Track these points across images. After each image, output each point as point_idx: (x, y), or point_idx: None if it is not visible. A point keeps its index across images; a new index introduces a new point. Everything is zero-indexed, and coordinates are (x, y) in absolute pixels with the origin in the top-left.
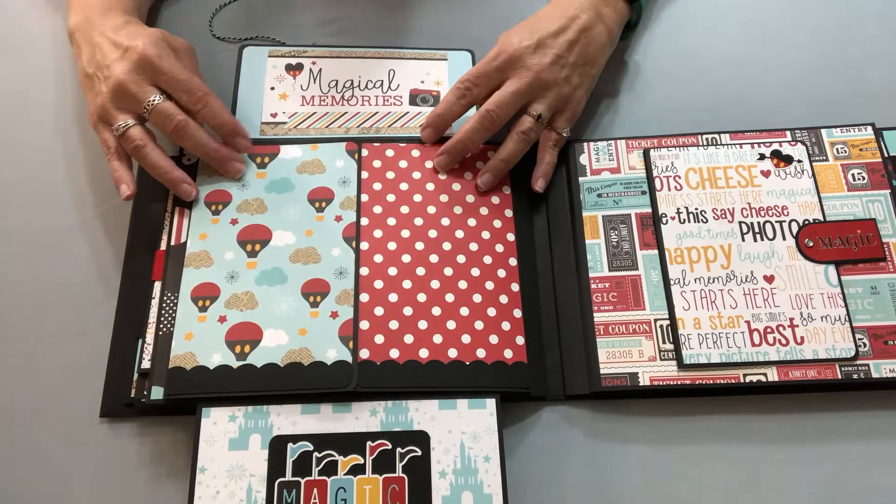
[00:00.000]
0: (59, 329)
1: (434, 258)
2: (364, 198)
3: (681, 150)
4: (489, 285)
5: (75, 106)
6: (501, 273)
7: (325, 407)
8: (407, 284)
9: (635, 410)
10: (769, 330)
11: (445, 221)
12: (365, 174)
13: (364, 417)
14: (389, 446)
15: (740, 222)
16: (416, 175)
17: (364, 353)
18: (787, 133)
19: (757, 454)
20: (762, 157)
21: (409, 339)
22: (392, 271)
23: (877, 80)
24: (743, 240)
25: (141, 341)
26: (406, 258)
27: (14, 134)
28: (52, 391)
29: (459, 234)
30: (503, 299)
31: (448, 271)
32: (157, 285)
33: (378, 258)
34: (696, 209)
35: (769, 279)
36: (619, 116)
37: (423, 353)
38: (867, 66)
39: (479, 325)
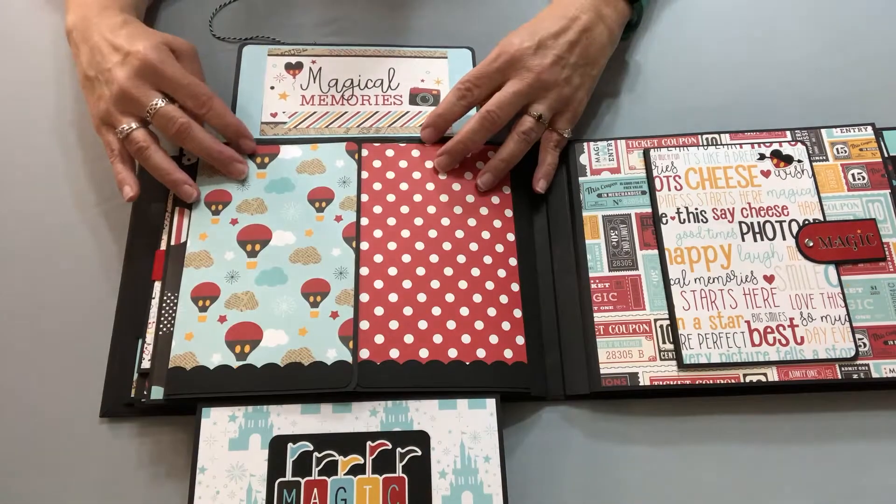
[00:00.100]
0: (59, 329)
1: (434, 258)
2: (364, 198)
3: (681, 150)
4: (489, 285)
5: (75, 106)
6: (501, 273)
7: (325, 407)
8: (407, 284)
9: (635, 410)
10: (769, 330)
11: (445, 221)
12: (365, 174)
13: (364, 417)
14: (389, 446)
15: (740, 222)
16: (416, 175)
17: (364, 353)
18: (787, 133)
19: (757, 454)
20: (762, 157)
21: (409, 339)
22: (392, 271)
23: (877, 80)
24: (743, 240)
25: (141, 341)
26: (406, 258)
27: (14, 134)
28: (52, 391)
29: (459, 234)
30: (503, 299)
31: (448, 271)
32: (157, 285)
33: (378, 258)
34: (696, 209)
35: (769, 279)
36: (619, 116)
37: (423, 353)
38: (867, 66)
39: (479, 325)
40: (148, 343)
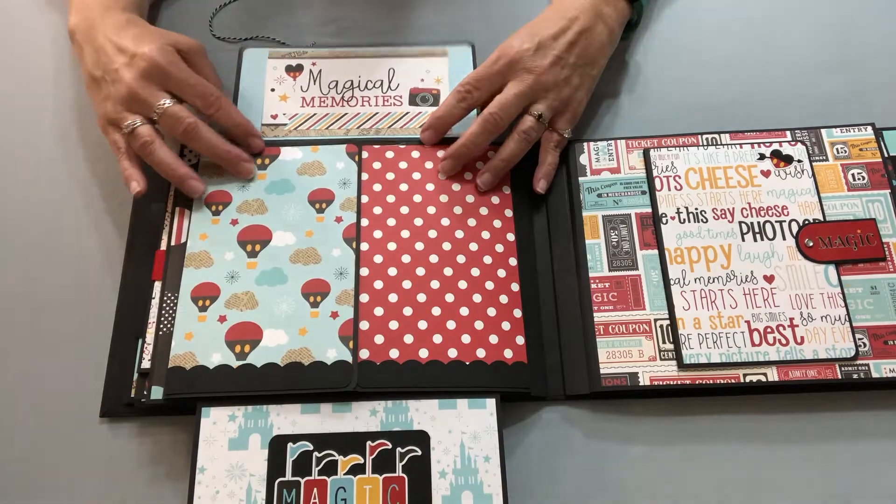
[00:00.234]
0: (59, 329)
1: (434, 258)
2: (364, 199)
3: (681, 150)
4: (489, 285)
5: (76, 107)
6: (501, 273)
7: (324, 407)
8: (407, 285)
9: (635, 410)
10: (769, 330)
11: (445, 222)
12: (365, 176)
13: (364, 417)
14: (389, 446)
15: (740, 222)
16: (416, 176)
17: (364, 353)
18: (787, 133)
19: (757, 454)
20: (762, 157)
21: (408, 339)
22: (392, 272)
23: (877, 80)
24: (743, 240)
25: (141, 341)
26: (406, 258)
27: (14, 135)
28: (52, 391)
29: (459, 234)
30: (503, 299)
31: (448, 271)
32: (157, 285)
33: (378, 259)
34: (696, 209)
35: (769, 279)
36: (619, 116)
37: (423, 353)
38: (867, 66)
39: (478, 325)
40: (148, 343)
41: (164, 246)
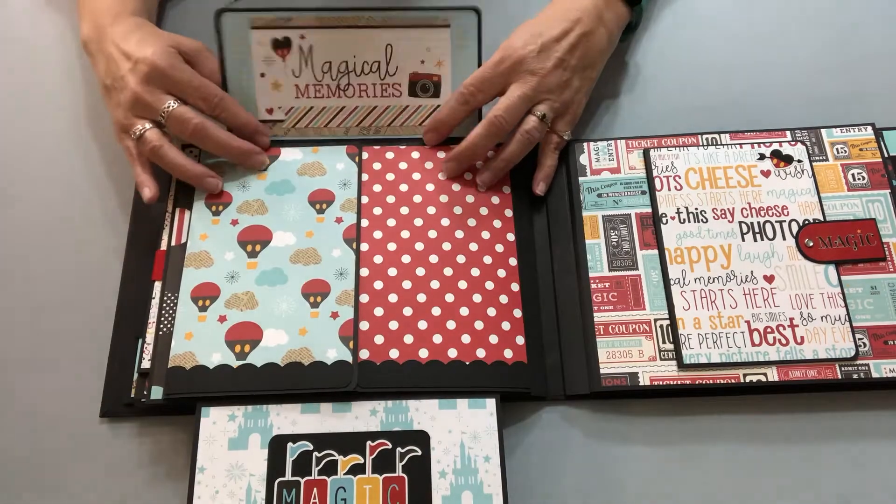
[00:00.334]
0: (59, 329)
1: (434, 258)
2: (364, 199)
3: (681, 150)
4: (489, 285)
5: (76, 107)
6: (501, 273)
7: (324, 406)
8: (407, 285)
9: (635, 410)
10: (769, 330)
11: (445, 222)
12: (365, 176)
13: (364, 417)
14: (389, 446)
15: (740, 222)
16: (416, 176)
17: (364, 354)
18: (787, 133)
19: (757, 454)
20: (762, 157)
21: (408, 339)
22: (392, 272)
23: (877, 80)
24: (743, 240)
25: (141, 341)
26: (406, 259)
27: (14, 135)
28: (52, 391)
29: (459, 234)
30: (503, 299)
31: (448, 271)
32: (157, 285)
33: (378, 259)
34: (696, 209)
35: (769, 279)
36: (619, 116)
37: (423, 354)
38: (867, 66)
39: (478, 325)
40: (148, 343)
41: (164, 246)
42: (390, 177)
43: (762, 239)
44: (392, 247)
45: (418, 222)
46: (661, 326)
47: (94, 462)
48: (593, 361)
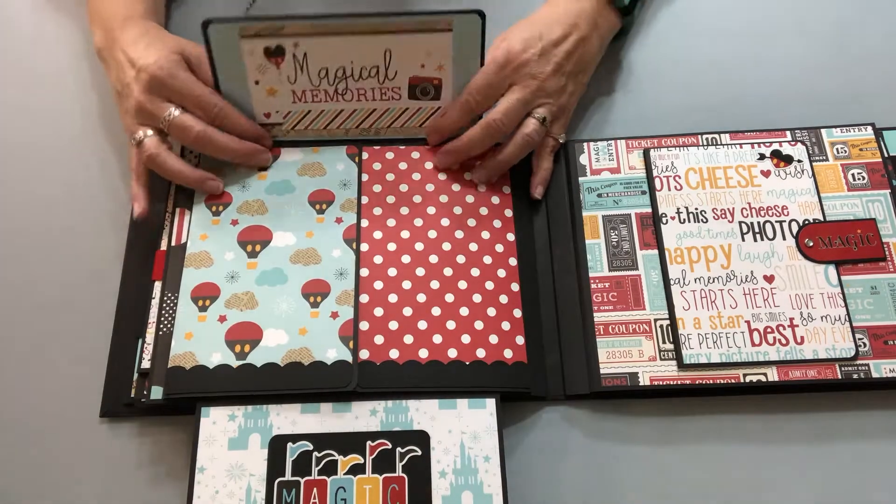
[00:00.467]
0: (59, 329)
1: (434, 258)
2: (364, 200)
3: (681, 150)
4: (489, 285)
5: (76, 108)
6: (501, 273)
7: (324, 406)
8: (407, 285)
9: (635, 410)
10: (769, 330)
11: (445, 222)
12: (365, 176)
13: (364, 417)
14: (389, 446)
15: (740, 222)
16: (416, 176)
17: (364, 354)
18: (787, 133)
19: (757, 454)
20: (762, 157)
21: (408, 339)
22: (392, 272)
23: (877, 80)
24: (743, 240)
25: (141, 341)
26: (406, 259)
27: (15, 136)
28: (52, 391)
29: (459, 234)
30: (503, 299)
31: (448, 271)
32: (157, 285)
33: (378, 259)
34: (696, 209)
35: (769, 279)
36: (619, 116)
37: (423, 354)
38: (867, 66)
39: (478, 325)
40: (148, 343)
41: (164, 246)
42: (390, 177)
43: (762, 239)
44: (392, 247)
45: (418, 222)
46: (661, 326)
47: (94, 462)
48: (593, 361)
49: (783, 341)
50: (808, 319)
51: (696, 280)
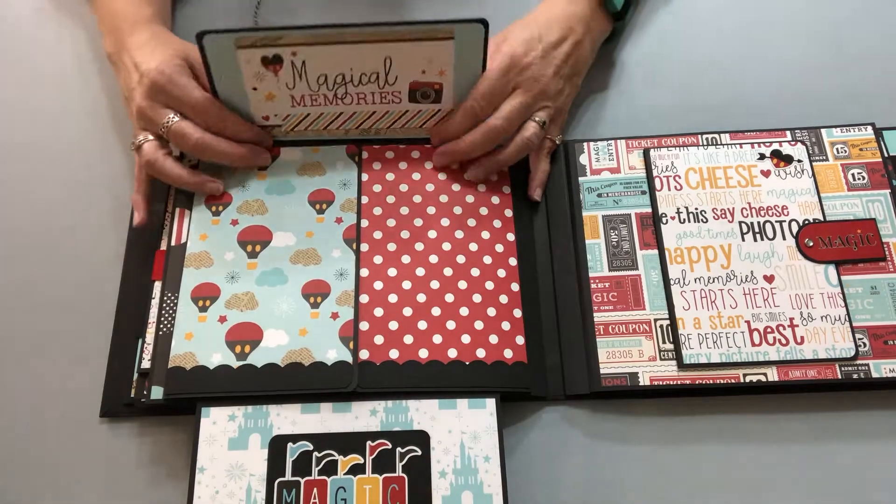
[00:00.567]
0: (59, 329)
1: (434, 259)
2: (364, 199)
3: (681, 150)
4: (489, 285)
5: (77, 108)
6: (501, 273)
7: (324, 406)
8: (406, 285)
9: (635, 410)
10: (769, 330)
11: (445, 222)
12: (365, 176)
13: (364, 417)
14: (389, 446)
15: (740, 222)
16: (416, 176)
17: (364, 354)
18: (787, 133)
19: (757, 454)
20: (762, 156)
21: (408, 339)
22: (392, 272)
23: (876, 80)
24: (743, 240)
25: (141, 341)
26: (406, 259)
27: (15, 135)
28: (52, 391)
29: (459, 234)
30: (503, 299)
31: (448, 271)
32: (157, 285)
33: (378, 259)
34: (696, 209)
35: (769, 279)
36: (619, 116)
37: (423, 354)
38: (866, 66)
39: (478, 325)
40: (148, 343)
41: (164, 246)
42: (390, 177)
43: (762, 239)
44: (392, 247)
45: (418, 222)
46: (661, 326)
47: (94, 462)
48: (593, 361)
49: (783, 341)
50: (808, 319)
51: (696, 280)
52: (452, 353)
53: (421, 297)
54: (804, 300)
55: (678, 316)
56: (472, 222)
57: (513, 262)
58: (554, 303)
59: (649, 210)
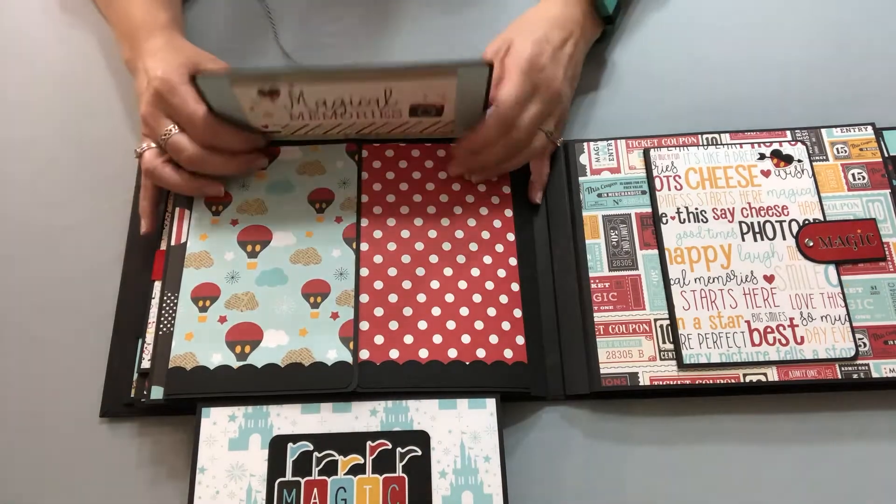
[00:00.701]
0: (59, 329)
1: (434, 258)
2: (364, 199)
3: (681, 150)
4: (489, 285)
5: (76, 107)
6: (501, 273)
7: (325, 407)
8: (407, 285)
9: (635, 410)
10: (769, 330)
11: (445, 221)
12: (365, 175)
13: (364, 417)
14: (389, 446)
15: (740, 222)
16: (416, 175)
17: (364, 354)
18: (787, 133)
19: (757, 454)
20: (762, 156)
21: (408, 339)
22: (392, 272)
23: (877, 80)
24: (743, 239)
25: (141, 341)
26: (406, 258)
27: (15, 135)
28: (52, 391)
29: (459, 234)
30: (503, 299)
31: (448, 271)
32: (157, 285)
33: (378, 259)
34: (696, 209)
35: (769, 279)
36: (618, 116)
37: (423, 354)
38: (867, 66)
39: (478, 325)
40: (148, 343)
41: (164, 246)
42: (390, 175)
43: (762, 239)
44: (392, 247)
45: (418, 222)
46: (661, 326)
47: (94, 462)
48: (593, 361)
49: (783, 341)
50: (808, 319)
51: (696, 280)
52: (452, 353)
53: (421, 297)
54: (804, 300)
55: (678, 316)
56: (472, 222)
57: (513, 262)
58: (554, 303)
59: (649, 210)
